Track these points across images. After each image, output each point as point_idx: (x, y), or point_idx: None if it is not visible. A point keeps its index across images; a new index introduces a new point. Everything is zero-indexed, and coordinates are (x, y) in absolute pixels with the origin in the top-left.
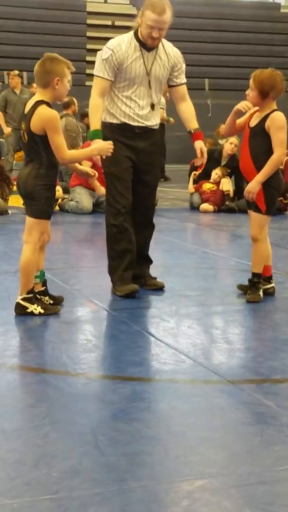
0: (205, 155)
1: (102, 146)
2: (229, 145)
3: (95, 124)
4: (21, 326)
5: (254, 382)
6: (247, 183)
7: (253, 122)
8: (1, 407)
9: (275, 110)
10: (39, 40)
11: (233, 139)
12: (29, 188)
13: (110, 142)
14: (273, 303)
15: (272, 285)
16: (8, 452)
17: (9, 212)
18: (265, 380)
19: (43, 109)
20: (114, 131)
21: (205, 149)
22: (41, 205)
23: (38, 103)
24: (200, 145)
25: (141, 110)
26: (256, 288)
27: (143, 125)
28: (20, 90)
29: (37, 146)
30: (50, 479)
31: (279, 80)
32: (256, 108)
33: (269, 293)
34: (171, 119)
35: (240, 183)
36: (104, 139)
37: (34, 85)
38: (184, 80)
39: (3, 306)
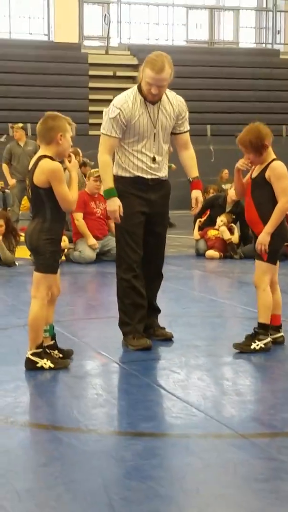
0: (200, 205)
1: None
2: (233, 191)
3: (107, 182)
4: (31, 382)
5: (266, 435)
6: (252, 231)
7: (255, 174)
8: (13, 467)
9: (274, 159)
10: (42, 92)
11: None
12: (34, 243)
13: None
14: (283, 353)
15: (281, 334)
16: None
17: (17, 264)
18: (278, 433)
19: (45, 162)
20: (127, 183)
21: (201, 199)
22: (46, 260)
23: (41, 157)
24: (196, 195)
25: (152, 163)
26: (253, 338)
27: (156, 177)
28: (25, 142)
29: (41, 199)
30: None
31: (262, 129)
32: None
33: (278, 342)
34: (173, 165)
35: (245, 229)
36: (120, 192)
37: None
38: (187, 128)
39: (13, 362)
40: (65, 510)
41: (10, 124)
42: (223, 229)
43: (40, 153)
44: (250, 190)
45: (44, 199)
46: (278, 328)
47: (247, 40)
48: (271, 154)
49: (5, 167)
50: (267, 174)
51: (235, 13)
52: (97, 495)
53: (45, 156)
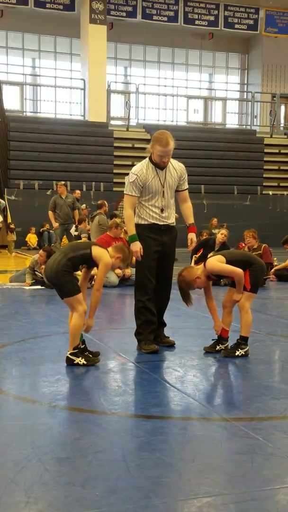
0: (194, 244)
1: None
2: (220, 235)
3: (131, 230)
4: (69, 376)
5: (244, 419)
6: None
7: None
8: (55, 440)
9: (204, 265)
10: (79, 158)
11: (224, 231)
12: (53, 275)
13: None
14: (257, 357)
15: (228, 343)
16: (61, 475)
17: None
18: (253, 418)
19: (107, 254)
20: (146, 229)
21: (195, 240)
22: (66, 287)
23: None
24: (191, 237)
25: (162, 213)
26: (237, 347)
27: (166, 223)
28: (66, 195)
29: (84, 258)
30: (94, 497)
31: (183, 281)
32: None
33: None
34: (176, 215)
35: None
36: (139, 235)
37: (77, 191)
38: (186, 186)
39: (55, 360)
40: (93, 473)
41: (55, 182)
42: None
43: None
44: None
45: (81, 260)
46: (226, 339)
47: (232, 122)
48: (199, 269)
49: (50, 214)
50: (214, 275)
51: (223, 102)
52: (118, 462)
53: (106, 249)
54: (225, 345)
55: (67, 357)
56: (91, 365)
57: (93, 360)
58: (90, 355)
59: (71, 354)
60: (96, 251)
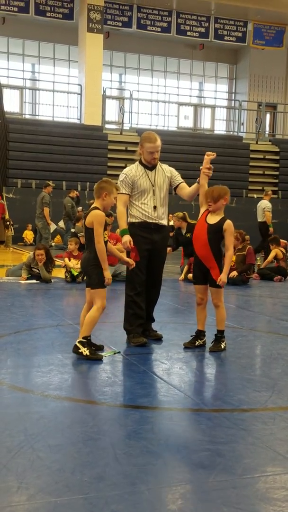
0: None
1: (124, 242)
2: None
3: (122, 225)
4: (61, 367)
5: (227, 411)
6: (203, 263)
7: (211, 220)
8: (47, 428)
9: (225, 217)
10: (74, 159)
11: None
12: (85, 268)
13: (129, 240)
14: (240, 351)
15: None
16: (52, 462)
17: (52, 281)
18: (235, 409)
19: (95, 211)
20: (136, 227)
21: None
22: (93, 279)
23: (93, 208)
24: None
25: (155, 211)
26: (219, 341)
27: (156, 222)
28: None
29: (90, 237)
30: (83, 483)
31: (224, 189)
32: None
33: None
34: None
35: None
36: (131, 233)
37: (75, 192)
38: (181, 180)
39: (48, 352)
40: (83, 460)
41: (51, 182)
42: None
43: (93, 204)
44: (206, 232)
45: (92, 237)
46: (204, 334)
47: (220, 129)
48: (223, 210)
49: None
50: (224, 227)
51: (212, 109)
52: (106, 450)
53: (96, 208)
54: (203, 340)
55: (75, 344)
56: (91, 360)
57: (96, 355)
58: (93, 348)
59: (79, 342)
60: (88, 218)
